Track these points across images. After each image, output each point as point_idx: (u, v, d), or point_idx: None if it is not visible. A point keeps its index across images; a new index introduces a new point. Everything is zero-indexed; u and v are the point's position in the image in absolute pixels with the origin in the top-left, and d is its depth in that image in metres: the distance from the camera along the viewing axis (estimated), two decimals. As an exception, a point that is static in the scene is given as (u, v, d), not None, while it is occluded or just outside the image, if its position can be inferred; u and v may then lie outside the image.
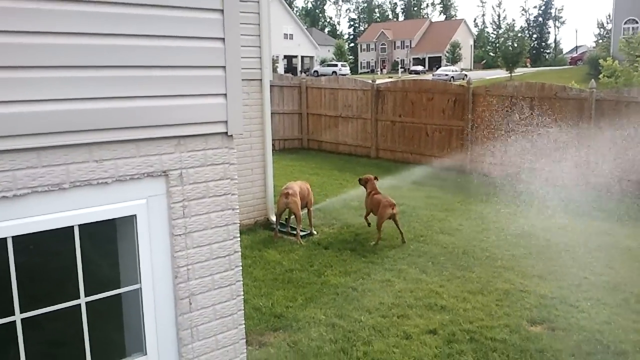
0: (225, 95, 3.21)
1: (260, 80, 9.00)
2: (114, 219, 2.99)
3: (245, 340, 3.73)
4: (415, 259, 8.00)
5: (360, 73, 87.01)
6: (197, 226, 3.22)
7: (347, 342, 5.61)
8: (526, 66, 66.72)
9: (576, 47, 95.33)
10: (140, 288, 3.09)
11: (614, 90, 13.53)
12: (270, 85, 9.41)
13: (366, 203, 9.21)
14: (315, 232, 9.13)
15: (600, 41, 63.09)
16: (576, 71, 49.84)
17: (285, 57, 75.98)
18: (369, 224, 9.24)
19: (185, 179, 3.15)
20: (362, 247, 8.46)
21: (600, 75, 24.07)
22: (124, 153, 2.93)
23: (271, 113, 10.11)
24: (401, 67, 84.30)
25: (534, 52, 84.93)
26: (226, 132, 3.26)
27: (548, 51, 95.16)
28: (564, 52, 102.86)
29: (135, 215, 3.00)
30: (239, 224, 3.41)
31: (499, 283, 7.13)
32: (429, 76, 58.25)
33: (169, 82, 3.04)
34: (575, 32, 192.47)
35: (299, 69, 76.29)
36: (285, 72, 61.16)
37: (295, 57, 79.49)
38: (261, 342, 5.64)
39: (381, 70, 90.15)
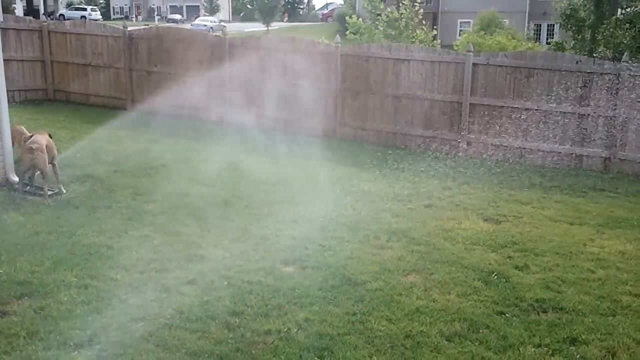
0: None
1: (-13, 20, 7.90)
2: None
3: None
4: (175, 211, 7.90)
5: (114, 19, 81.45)
6: None
7: (100, 302, 5.37)
8: (282, 21, 68.92)
9: (327, 4, 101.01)
10: None
11: (356, 46, 14.64)
12: (4, 28, 8.35)
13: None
14: (64, 190, 8.45)
15: (349, -1, 67.64)
16: (327, 27, 52.99)
17: (23, -3, 67.65)
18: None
19: None
20: (119, 204, 8.09)
21: (347, 32, 25.95)
22: None
23: (7, 59, 9.02)
24: (158, 15, 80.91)
25: (289, 7, 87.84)
26: None
27: (302, 7, 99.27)
28: (316, 9, 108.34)
29: None
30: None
31: (256, 229, 7.40)
32: (187, 26, 56.96)
33: None
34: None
35: (42, 11, 68.72)
36: (25, 15, 54.61)
37: (37, -2, 71.24)
38: (3, 312, 5.14)
39: (136, 17, 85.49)
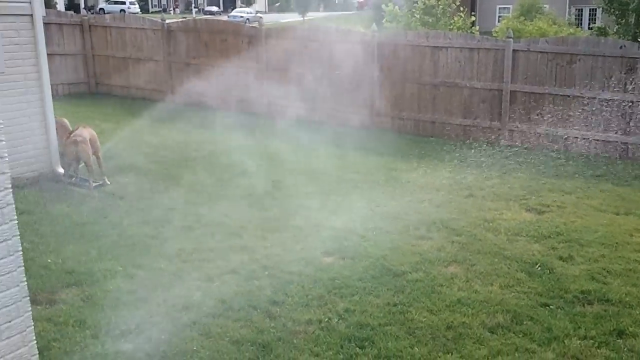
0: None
1: (31, 15, 8.08)
2: None
3: (29, 298, 3.47)
4: (216, 202, 8.00)
5: (152, 12, 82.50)
6: (-44, 179, 2.84)
7: (145, 290, 5.49)
8: (318, 11, 68.79)
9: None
10: None
11: (393, 34, 14.51)
12: (46, 23, 8.54)
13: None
14: (108, 182, 8.64)
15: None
16: (363, 16, 52.63)
17: (65, -8, 69.05)
18: None
19: (-64, 125, 2.73)
20: (161, 195, 8.24)
21: (384, 20, 25.75)
22: None
23: (50, 54, 9.23)
24: (195, 7, 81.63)
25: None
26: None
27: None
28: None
29: None
30: (9, 174, 3.07)
31: (295, 220, 7.44)
32: (224, 17, 57.35)
33: None
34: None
35: (82, 6, 70.06)
36: (67, 9, 55.81)
37: (78, -7, 72.64)
38: (52, 300, 5.29)
39: (174, 9, 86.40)
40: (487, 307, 5.35)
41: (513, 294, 5.62)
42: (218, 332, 4.86)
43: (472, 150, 11.15)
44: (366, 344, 4.74)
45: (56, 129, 8.97)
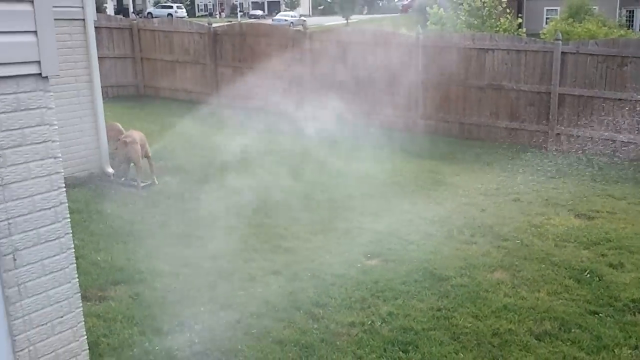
0: (35, 32, 2.90)
1: (83, 20, 8.31)
2: None
3: (80, 294, 3.57)
4: (260, 203, 8.07)
5: (198, 16, 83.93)
6: (15, 177, 2.95)
7: (191, 289, 5.57)
8: (361, 13, 68.71)
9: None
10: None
11: (438, 36, 14.37)
12: (97, 27, 8.77)
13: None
14: (157, 182, 8.82)
15: (428, -11, 66.40)
16: (407, 18, 52.32)
17: (114, -3, 70.83)
18: None
19: (-4, 125, 2.84)
20: (206, 195, 8.35)
21: (428, 22, 25.54)
22: None
23: (100, 57, 9.47)
24: (240, 11, 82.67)
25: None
26: (40, 74, 2.97)
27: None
28: (396, 0, 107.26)
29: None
30: (63, 174, 3.17)
31: (339, 222, 7.44)
32: (268, 21, 57.86)
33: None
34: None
35: (131, 10, 71.71)
36: (116, 13, 57.24)
37: (127, -3, 74.41)
38: (101, 297, 5.42)
39: (220, 13, 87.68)
40: (534, 314, 5.24)
41: (561, 301, 5.49)
42: (261, 332, 4.90)
43: (519, 154, 10.95)
44: (410, 348, 4.71)
45: (109, 132, 9.18)
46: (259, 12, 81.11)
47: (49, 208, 3.15)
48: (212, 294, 5.50)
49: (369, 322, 5.05)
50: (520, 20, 25.25)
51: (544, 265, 6.21)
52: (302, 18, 61.45)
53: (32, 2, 2.88)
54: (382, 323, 5.05)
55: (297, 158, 10.25)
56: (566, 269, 6.14)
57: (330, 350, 4.67)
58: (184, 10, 71.08)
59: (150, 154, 8.96)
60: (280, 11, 78.27)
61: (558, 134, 11.52)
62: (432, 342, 4.77)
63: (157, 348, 4.62)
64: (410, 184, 9.16)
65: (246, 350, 4.64)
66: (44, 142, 3.06)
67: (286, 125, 13.01)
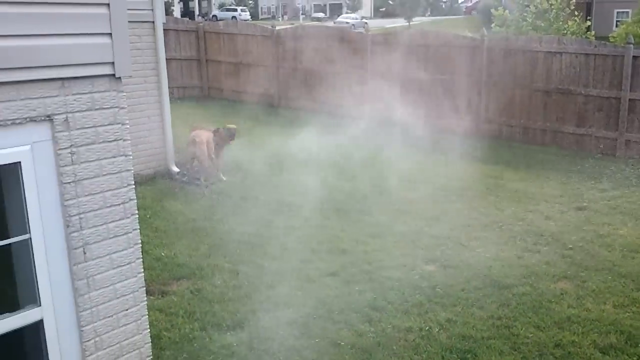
0: (110, 34, 3.02)
1: (153, 22, 8.58)
2: (-4, 167, 2.79)
3: (144, 288, 3.67)
4: (319, 205, 8.11)
5: (261, 19, 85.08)
6: (87, 173, 3.07)
7: (250, 287, 5.66)
8: (424, 15, 68.00)
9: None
10: (30, 238, 2.93)
11: (504, 39, 14.06)
12: (165, 29, 9.03)
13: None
14: (224, 178, 9.03)
15: (493, -9, 65.06)
16: (471, 20, 51.42)
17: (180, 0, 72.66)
18: None
19: (72, 123, 2.97)
20: (267, 196, 8.46)
21: (493, 25, 25.02)
22: (3, 96, 2.71)
23: (167, 59, 9.73)
24: (302, 14, 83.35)
25: (431, 0, 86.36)
26: (114, 74, 3.08)
27: (445, 0, 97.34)
28: (459, 2, 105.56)
29: (19, 163, 2.82)
30: (132, 171, 3.29)
31: (397, 226, 7.40)
32: (330, 23, 58.07)
33: (47, 19, 2.81)
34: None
35: (197, 13, 73.39)
36: (182, 16, 58.75)
37: (192, 0, 76.21)
38: (164, 291, 5.58)
39: (282, 16, 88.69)
40: (599, 326, 5.06)
41: (628, 314, 5.28)
42: (318, 332, 4.93)
43: (585, 160, 10.59)
44: (468, 356, 4.63)
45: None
46: (321, 15, 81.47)
47: (119, 204, 3.26)
48: (270, 292, 5.57)
49: (427, 328, 5.00)
50: (588, 23, 24.40)
51: (610, 277, 5.99)
52: (364, 20, 61.36)
53: (109, 5, 3.00)
54: (440, 329, 4.99)
55: (356, 160, 10.23)
56: (634, 280, 5.90)
57: (387, 354, 4.65)
58: (248, 13, 72.18)
59: (216, 154, 9.09)
60: (341, 14, 78.42)
61: (628, 140, 11.07)
62: (492, 351, 4.68)
63: (216, 344, 4.72)
64: (471, 188, 9.00)
65: (303, 350, 4.68)
66: (115, 140, 3.17)
67: (344, 127, 13.03)
